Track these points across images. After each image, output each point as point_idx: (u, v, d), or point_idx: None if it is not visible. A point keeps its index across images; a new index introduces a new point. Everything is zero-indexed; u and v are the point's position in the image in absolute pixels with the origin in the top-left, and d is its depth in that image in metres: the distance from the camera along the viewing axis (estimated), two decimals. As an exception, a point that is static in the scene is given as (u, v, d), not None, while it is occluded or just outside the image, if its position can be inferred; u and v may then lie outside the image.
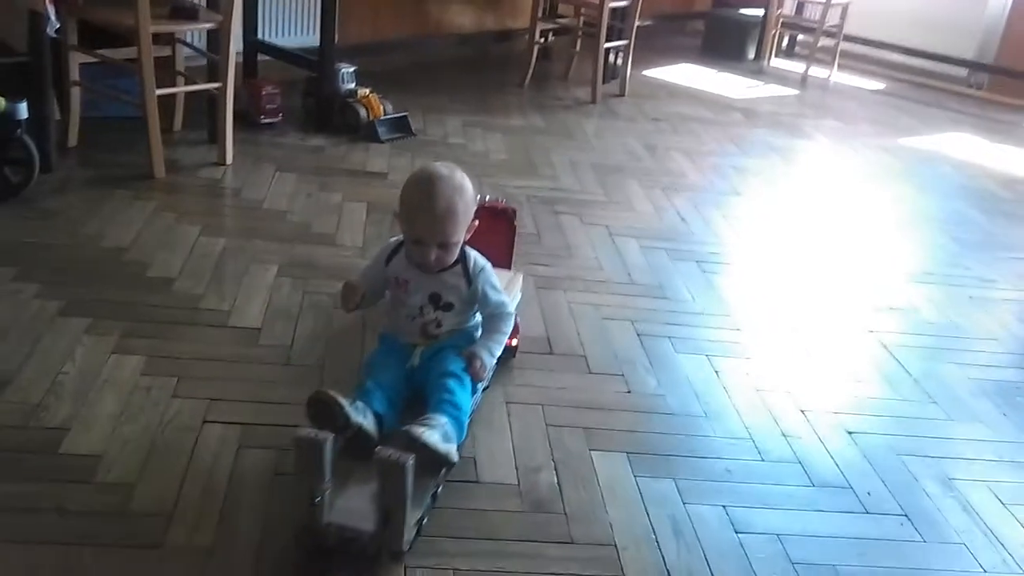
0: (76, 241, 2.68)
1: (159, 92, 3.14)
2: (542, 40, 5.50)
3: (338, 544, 1.63)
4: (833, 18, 6.21)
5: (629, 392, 2.31)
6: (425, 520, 1.75)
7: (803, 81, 6.09)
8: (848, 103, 5.72)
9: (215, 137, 3.41)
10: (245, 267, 2.66)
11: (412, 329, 2.00)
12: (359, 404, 1.77)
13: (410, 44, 5.16)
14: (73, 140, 3.32)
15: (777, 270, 3.16)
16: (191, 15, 3.22)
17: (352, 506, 1.66)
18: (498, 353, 2.02)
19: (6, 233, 2.67)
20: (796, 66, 6.39)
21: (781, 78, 6.13)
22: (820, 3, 6.09)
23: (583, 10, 5.24)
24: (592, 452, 2.05)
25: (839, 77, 6.24)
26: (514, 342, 2.29)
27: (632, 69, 5.33)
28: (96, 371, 2.10)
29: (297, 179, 3.36)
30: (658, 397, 2.30)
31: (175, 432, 1.93)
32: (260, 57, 4.14)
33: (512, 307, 2.09)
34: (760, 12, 6.46)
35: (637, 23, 5.20)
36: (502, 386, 2.24)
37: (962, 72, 6.41)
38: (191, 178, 3.25)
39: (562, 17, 5.52)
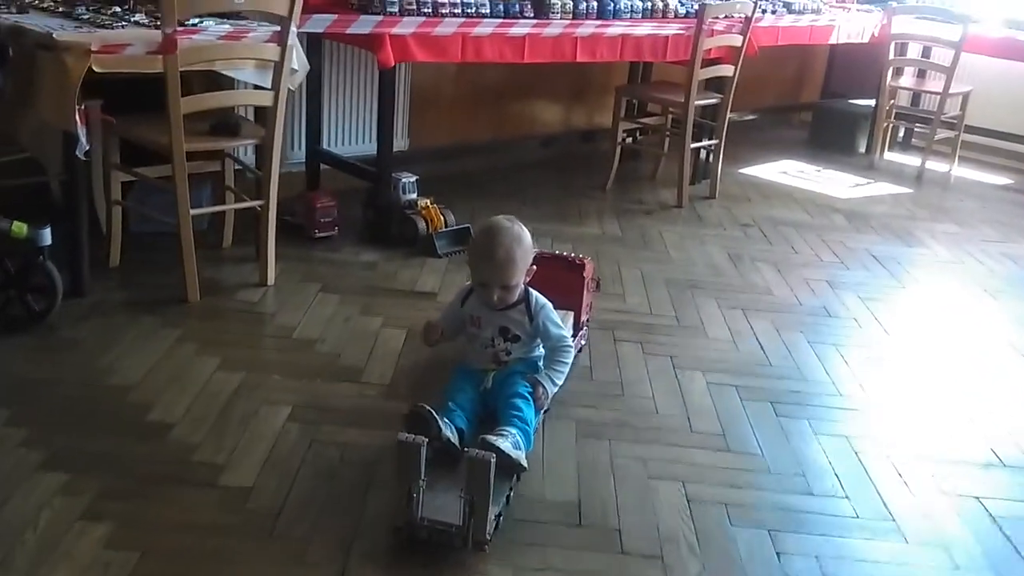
0: (83, 378, 2.51)
1: (195, 212, 3.02)
2: (629, 140, 5.26)
3: (430, 536, 1.93)
4: (953, 108, 5.73)
5: (665, 582, 1.94)
6: (501, 517, 2.01)
7: (919, 177, 5.61)
8: (969, 202, 5.20)
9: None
10: (255, 409, 2.43)
11: (485, 357, 2.41)
12: (446, 420, 2.12)
13: (490, 147, 4.98)
14: (115, 260, 3.22)
15: (865, 416, 2.72)
16: (232, 131, 3.09)
17: (441, 504, 1.95)
18: (560, 382, 2.41)
19: (14, 366, 2.53)
20: (912, 160, 5.92)
21: (894, 174, 5.67)
22: (937, 92, 5.63)
23: (671, 108, 4.95)
24: (606, 669, 1.69)
25: (960, 172, 5.74)
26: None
27: (727, 168, 5.01)
28: (56, 542, 1.88)
29: (339, 301, 3.15)
30: (701, 589, 1.93)
31: (119, 627, 1.69)
32: (325, 167, 4.03)
33: (571, 341, 2.46)
34: (872, 103, 6.03)
35: (734, 118, 4.89)
36: (513, 570, 1.91)
37: (1102, 165, 5.81)
38: (227, 301, 3.09)
39: (650, 115, 5.25)
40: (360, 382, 2.63)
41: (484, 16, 3.65)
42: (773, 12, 5.03)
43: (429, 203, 3.77)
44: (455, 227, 3.77)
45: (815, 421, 2.64)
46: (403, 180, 3.75)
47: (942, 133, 5.69)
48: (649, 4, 4.30)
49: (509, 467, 2.05)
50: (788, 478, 2.35)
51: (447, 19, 3.51)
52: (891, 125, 6.09)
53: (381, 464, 2.23)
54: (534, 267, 2.40)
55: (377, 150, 3.71)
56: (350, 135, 4.28)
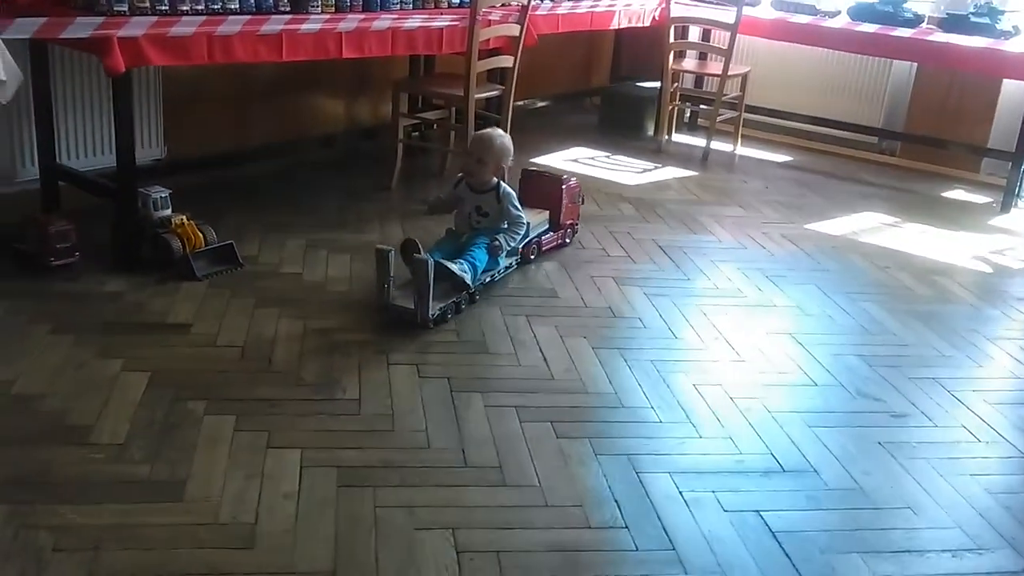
0: None
1: None
2: (416, 134, 5.03)
3: (396, 316, 3.03)
4: (733, 89, 5.83)
5: (426, 658, 1.74)
6: (450, 316, 3.10)
7: (704, 159, 5.67)
8: (753, 182, 5.29)
9: (-25, 296, 2.83)
10: (-50, 493, 2.07)
11: (464, 224, 3.51)
12: (426, 253, 3.15)
13: (264, 150, 4.62)
14: None
15: (648, 430, 2.62)
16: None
17: (404, 295, 3.06)
18: (511, 245, 3.46)
19: None
20: (698, 141, 5.98)
21: (681, 157, 5.71)
22: (717, 74, 5.71)
23: (453, 102, 4.74)
24: None
25: (743, 151, 5.84)
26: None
27: (518, 158, 4.82)
28: None
29: (73, 343, 2.78)
30: (466, 661, 1.74)
31: None
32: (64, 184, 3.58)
33: (526, 220, 3.53)
34: (658, 85, 6.05)
35: (525, 106, 4.74)
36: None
37: (872, 139, 6.06)
38: (-68, 354, 2.66)
39: (435, 108, 5.04)
40: (87, 444, 2.29)
41: (232, 12, 3.32)
42: (552, 0, 4.92)
43: (185, 219, 3.41)
44: (216, 245, 3.43)
45: (596, 440, 2.51)
46: (153, 195, 3.38)
47: (725, 113, 5.77)
48: (420, -6, 4.08)
49: (456, 283, 3.13)
50: (566, 511, 2.21)
51: (186, 18, 3.15)
52: (676, 107, 6.13)
53: (105, 549, 1.92)
54: (504, 168, 3.53)
55: (117, 161, 3.31)
56: (92, 146, 3.81)
